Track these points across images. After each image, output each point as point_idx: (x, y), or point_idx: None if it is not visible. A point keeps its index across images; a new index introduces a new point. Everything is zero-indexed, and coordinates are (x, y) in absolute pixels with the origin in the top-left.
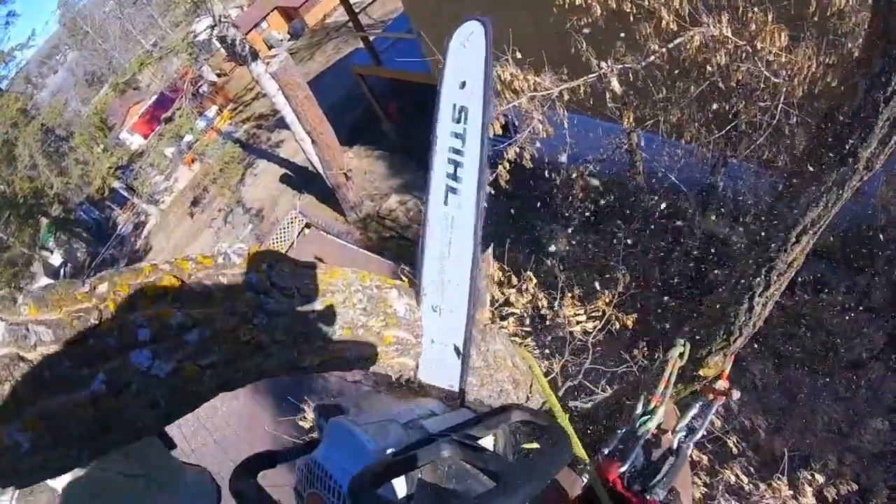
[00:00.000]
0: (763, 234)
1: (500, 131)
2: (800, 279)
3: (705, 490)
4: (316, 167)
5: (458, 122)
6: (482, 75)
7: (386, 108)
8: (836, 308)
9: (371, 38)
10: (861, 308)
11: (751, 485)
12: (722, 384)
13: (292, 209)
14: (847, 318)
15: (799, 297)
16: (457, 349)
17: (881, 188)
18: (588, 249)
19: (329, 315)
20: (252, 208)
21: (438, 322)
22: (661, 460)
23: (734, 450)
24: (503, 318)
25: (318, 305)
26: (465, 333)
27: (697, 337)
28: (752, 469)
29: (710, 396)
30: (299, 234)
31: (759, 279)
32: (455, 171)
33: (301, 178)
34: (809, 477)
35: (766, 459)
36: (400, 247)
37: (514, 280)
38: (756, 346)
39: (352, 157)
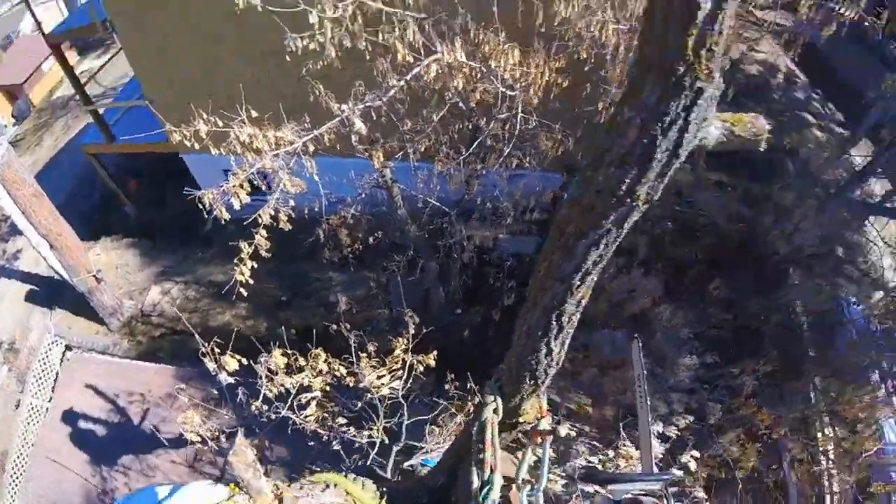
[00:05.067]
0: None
1: (246, 199)
2: None
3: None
4: (62, 274)
5: (639, 382)
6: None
7: (125, 188)
8: (611, 270)
9: (102, 111)
10: (634, 265)
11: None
12: (545, 422)
13: (46, 332)
14: (625, 278)
15: None
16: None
17: None
18: (370, 289)
19: None
20: (2, 342)
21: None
22: None
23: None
24: (303, 408)
25: None
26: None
27: (506, 387)
28: (596, 444)
29: (539, 440)
30: (62, 361)
31: (552, 324)
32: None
33: (48, 291)
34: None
35: (602, 431)
36: (175, 344)
37: (302, 360)
38: None
39: (99, 254)
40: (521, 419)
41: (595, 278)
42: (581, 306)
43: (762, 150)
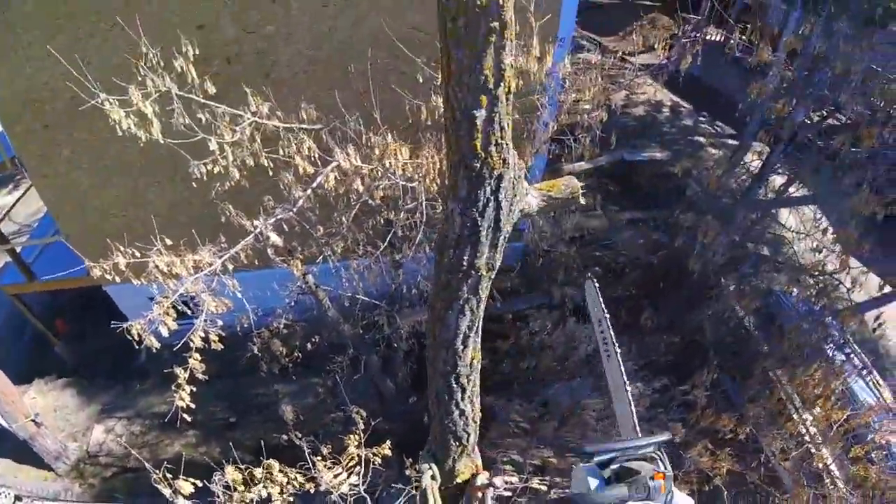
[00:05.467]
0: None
1: (174, 327)
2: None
3: None
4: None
5: (599, 324)
6: (599, 301)
7: (53, 326)
8: (548, 325)
9: (19, 249)
10: (567, 316)
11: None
12: (482, 478)
13: None
14: (561, 331)
15: (514, 335)
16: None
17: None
18: (318, 395)
19: None
20: None
21: (622, 416)
22: None
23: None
24: None
25: None
26: (631, 418)
27: (438, 453)
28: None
29: (480, 495)
30: None
31: (454, 387)
32: (606, 346)
33: None
34: None
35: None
36: (129, 482)
37: (257, 473)
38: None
39: (35, 398)
40: (459, 480)
41: (477, 340)
42: (475, 368)
43: (582, 203)
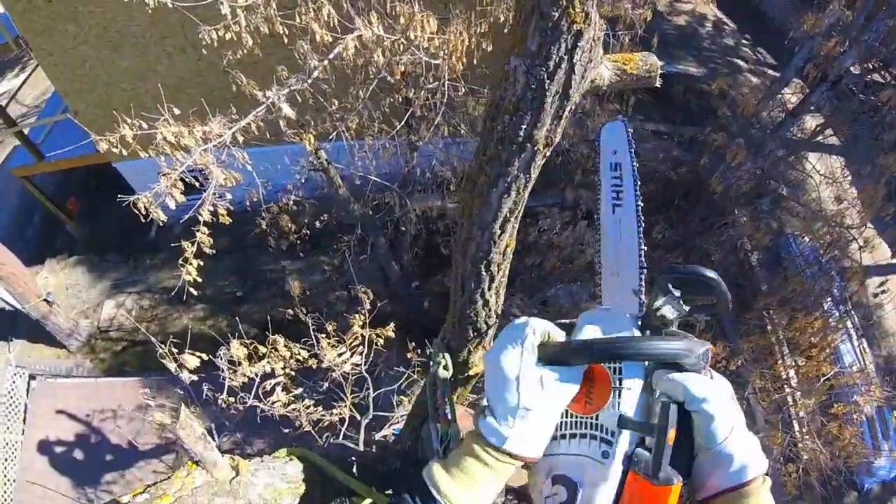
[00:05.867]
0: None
1: (182, 199)
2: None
3: None
4: (12, 304)
5: (615, 170)
6: (626, 144)
7: (65, 206)
8: (558, 225)
9: (27, 130)
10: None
11: None
12: None
13: (7, 365)
14: (571, 232)
15: (522, 230)
16: (634, 291)
17: None
18: (324, 272)
19: None
20: None
21: (617, 281)
22: None
23: None
24: (268, 394)
25: None
26: (639, 281)
27: (452, 343)
28: None
29: None
30: (28, 391)
31: (482, 274)
32: (618, 195)
33: (2, 324)
34: None
35: None
36: (139, 355)
37: (261, 348)
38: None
39: (47, 277)
40: (471, 372)
41: (516, 226)
42: (508, 256)
43: (653, 88)
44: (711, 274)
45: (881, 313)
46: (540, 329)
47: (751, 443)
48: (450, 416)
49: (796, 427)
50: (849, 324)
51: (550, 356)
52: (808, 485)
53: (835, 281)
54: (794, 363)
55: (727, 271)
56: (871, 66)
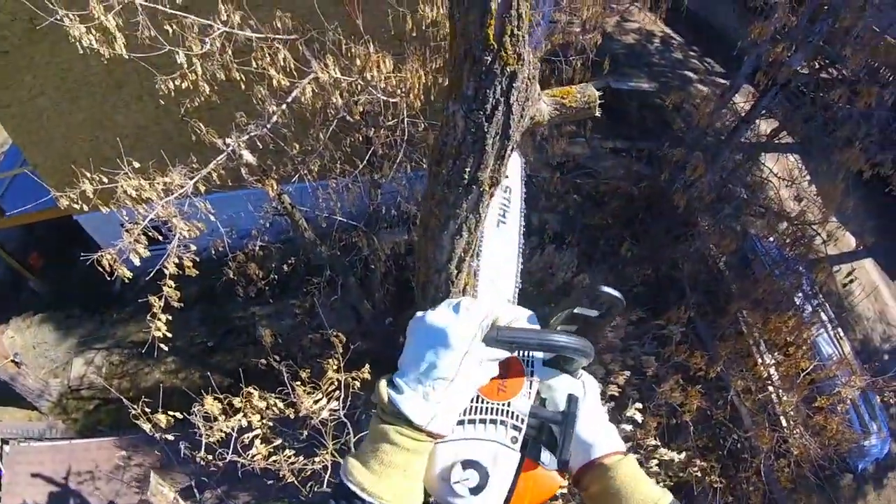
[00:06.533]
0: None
1: (145, 254)
2: None
3: None
4: None
5: (505, 191)
6: (519, 175)
7: (27, 262)
8: (526, 250)
9: None
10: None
11: None
12: None
13: None
14: (539, 257)
15: None
16: (509, 301)
17: None
18: (295, 316)
19: None
20: None
21: (494, 290)
22: None
23: None
24: (247, 448)
25: None
26: (514, 292)
27: None
28: None
29: None
30: (0, 456)
31: None
32: (504, 213)
33: None
34: None
35: None
36: (112, 413)
37: (236, 402)
38: None
39: (13, 337)
40: None
41: (473, 264)
42: (469, 293)
43: (598, 115)
44: (610, 290)
45: (852, 299)
46: (494, 314)
47: (607, 429)
48: None
49: (783, 423)
50: (823, 316)
51: (490, 338)
52: (802, 476)
53: (803, 276)
54: (773, 361)
55: (696, 280)
56: (818, 65)
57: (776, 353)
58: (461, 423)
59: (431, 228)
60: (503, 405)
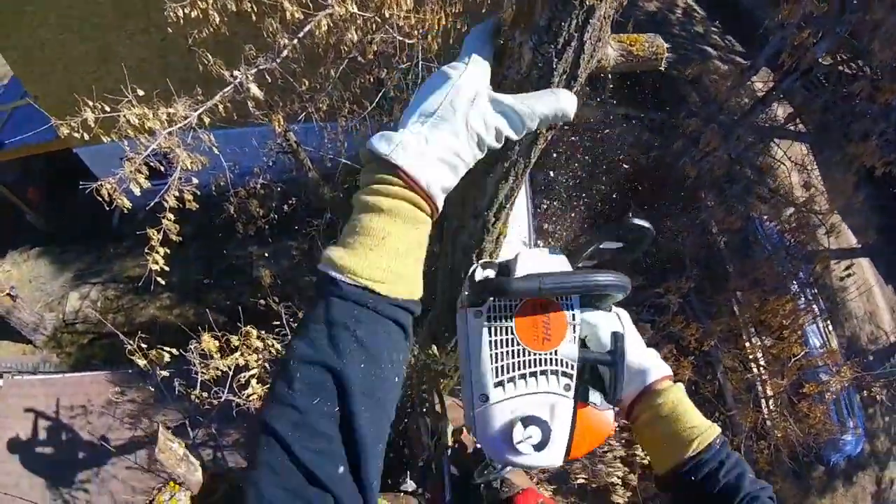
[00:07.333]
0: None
1: (146, 185)
2: None
3: None
4: None
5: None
6: None
7: (25, 196)
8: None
9: None
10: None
11: None
12: None
13: None
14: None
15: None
16: (524, 242)
17: None
18: (293, 257)
19: None
20: None
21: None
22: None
23: None
24: (243, 387)
25: None
26: (528, 232)
27: (439, 332)
28: None
29: None
30: None
31: (473, 263)
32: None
33: None
34: None
35: None
36: (106, 348)
37: (234, 340)
38: None
39: (9, 271)
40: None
41: (510, 212)
42: (499, 244)
43: (663, 69)
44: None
45: (845, 296)
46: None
47: (652, 354)
48: (438, 409)
49: (767, 405)
50: (815, 307)
51: (534, 289)
52: (780, 461)
53: (802, 264)
54: (761, 344)
55: (697, 254)
56: (840, 58)
57: (768, 337)
58: (511, 379)
59: (475, 170)
60: (551, 354)
